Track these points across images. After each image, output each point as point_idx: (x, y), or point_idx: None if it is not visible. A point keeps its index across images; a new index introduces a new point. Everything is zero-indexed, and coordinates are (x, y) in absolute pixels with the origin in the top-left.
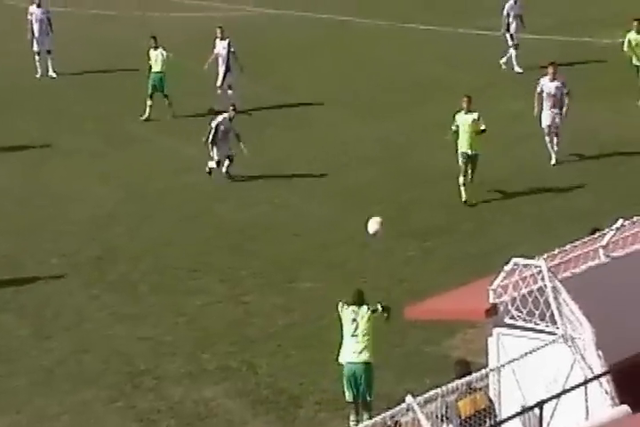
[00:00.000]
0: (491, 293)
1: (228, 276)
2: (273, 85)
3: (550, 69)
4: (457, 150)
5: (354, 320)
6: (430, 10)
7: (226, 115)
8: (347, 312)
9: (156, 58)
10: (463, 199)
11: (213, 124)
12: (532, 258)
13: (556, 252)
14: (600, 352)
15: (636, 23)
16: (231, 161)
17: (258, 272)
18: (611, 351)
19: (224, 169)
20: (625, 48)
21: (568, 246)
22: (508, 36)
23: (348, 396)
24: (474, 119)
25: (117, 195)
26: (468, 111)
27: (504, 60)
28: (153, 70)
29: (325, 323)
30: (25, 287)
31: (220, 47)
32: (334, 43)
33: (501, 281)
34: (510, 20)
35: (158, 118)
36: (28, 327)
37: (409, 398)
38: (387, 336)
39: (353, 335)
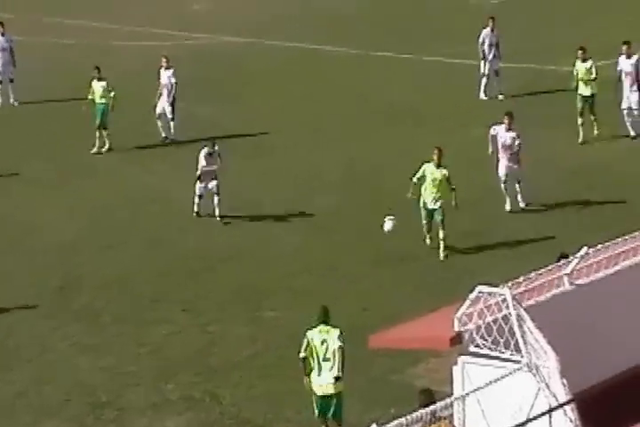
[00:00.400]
0: (455, 321)
1: (191, 305)
2: (239, 113)
3: (506, 120)
4: (420, 204)
5: (323, 342)
6: (398, 38)
7: (204, 150)
8: (315, 335)
9: (99, 89)
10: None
11: (199, 166)
12: (497, 286)
13: (520, 279)
14: (564, 380)
15: (580, 52)
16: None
17: (222, 301)
18: (575, 380)
19: (218, 207)
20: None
21: (533, 274)
22: (482, 63)
23: (317, 414)
24: (444, 175)
25: (80, 224)
26: (439, 166)
27: (499, 91)
28: (97, 102)
29: (290, 353)
30: None
31: (165, 77)
32: (302, 70)
33: (466, 309)
34: (485, 48)
35: (118, 148)
36: None
37: None
38: (352, 364)
39: (325, 359)
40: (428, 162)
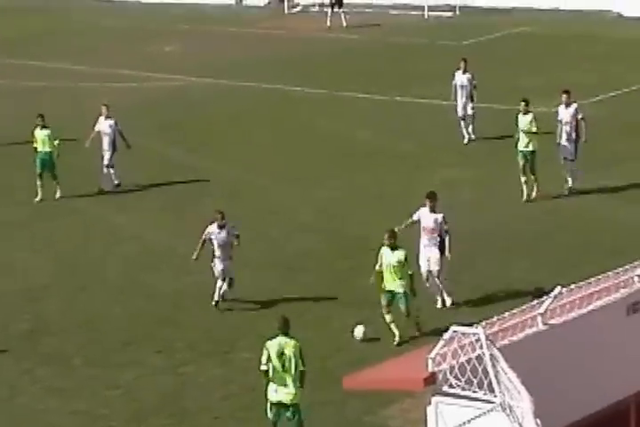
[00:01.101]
0: (429, 361)
1: (163, 347)
2: (210, 155)
3: (522, 104)
4: (382, 289)
5: (282, 354)
6: (367, 78)
7: (214, 225)
8: (274, 346)
9: (43, 138)
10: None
11: (203, 237)
12: (471, 326)
13: (494, 319)
14: (538, 421)
15: (522, 104)
16: (230, 284)
17: (193, 343)
18: (549, 420)
19: (218, 292)
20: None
21: (506, 314)
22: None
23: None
24: (400, 260)
25: (49, 266)
26: (395, 248)
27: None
28: (40, 150)
29: (264, 394)
30: None
31: (106, 126)
32: (269, 111)
33: (440, 349)
34: (455, 89)
35: (87, 190)
36: None
37: None
38: (325, 406)
39: (283, 370)
40: (385, 246)
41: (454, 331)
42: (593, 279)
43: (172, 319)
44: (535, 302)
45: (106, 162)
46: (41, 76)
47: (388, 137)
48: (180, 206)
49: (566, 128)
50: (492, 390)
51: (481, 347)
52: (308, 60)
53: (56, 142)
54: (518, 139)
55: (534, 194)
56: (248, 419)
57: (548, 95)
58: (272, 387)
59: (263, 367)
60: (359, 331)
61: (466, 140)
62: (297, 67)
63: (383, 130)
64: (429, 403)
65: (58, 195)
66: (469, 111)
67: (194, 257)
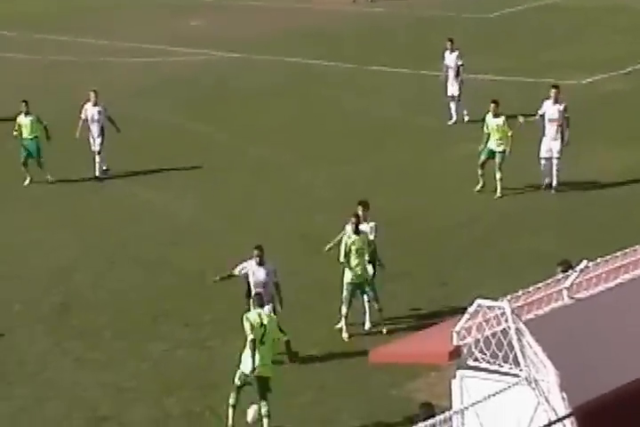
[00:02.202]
0: (454, 335)
1: (190, 321)
2: (233, 131)
3: (492, 106)
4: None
5: (262, 326)
6: (393, 52)
7: (251, 261)
8: (255, 317)
9: (27, 123)
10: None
11: (236, 271)
12: (496, 300)
13: (519, 293)
14: (564, 394)
15: (492, 106)
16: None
17: (220, 317)
18: (575, 393)
19: None
20: (485, 130)
21: (532, 288)
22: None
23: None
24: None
25: (77, 243)
26: (356, 231)
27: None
28: (25, 136)
29: (289, 367)
30: None
31: (95, 112)
32: (295, 86)
33: (465, 323)
34: (445, 70)
35: (116, 167)
36: None
37: None
38: (351, 380)
39: (261, 342)
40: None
41: (479, 305)
42: (620, 253)
43: (198, 294)
44: (561, 275)
45: (98, 148)
46: (67, 51)
47: (413, 112)
48: (205, 182)
49: (553, 125)
50: (517, 364)
51: (506, 321)
52: (333, 34)
53: (44, 125)
54: (488, 138)
55: (498, 194)
56: (274, 390)
57: (576, 68)
58: (246, 356)
59: (251, 337)
60: (251, 414)
61: (452, 122)
62: (322, 41)
63: (409, 105)
64: (454, 377)
65: (50, 178)
66: (455, 92)
67: (215, 279)
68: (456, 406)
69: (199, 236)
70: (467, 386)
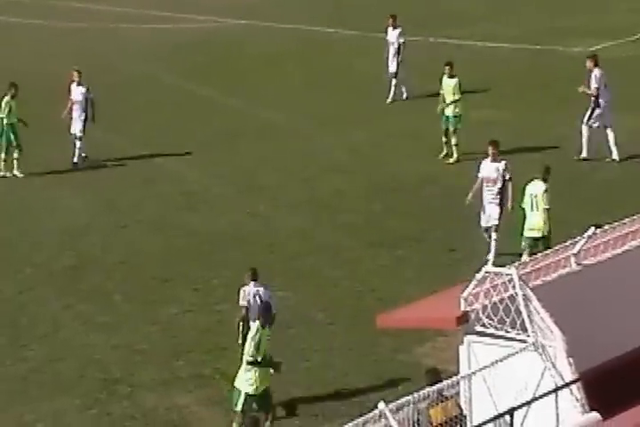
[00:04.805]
0: (462, 301)
1: (200, 285)
2: (244, 96)
3: (447, 68)
4: None
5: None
6: (401, 19)
7: (258, 286)
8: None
9: (14, 107)
10: None
11: (243, 302)
12: (503, 266)
13: (527, 260)
14: (571, 360)
15: (447, 67)
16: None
17: (230, 281)
18: (581, 359)
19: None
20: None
21: (539, 254)
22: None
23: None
24: None
25: (89, 206)
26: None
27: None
28: (7, 122)
29: (296, 331)
30: (0, 297)
31: (77, 93)
32: (303, 53)
33: (472, 289)
34: (388, 47)
35: (125, 130)
36: (3, 336)
37: (381, 405)
38: (358, 345)
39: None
40: None
41: (487, 271)
42: (628, 220)
43: (208, 258)
44: (569, 242)
45: (78, 133)
46: (81, 18)
47: (421, 78)
48: (215, 147)
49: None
50: (524, 330)
51: (514, 287)
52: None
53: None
54: (443, 100)
55: (452, 159)
56: (281, 354)
57: (583, 35)
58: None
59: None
60: None
61: (389, 100)
62: (329, 7)
63: (416, 71)
64: (462, 342)
65: (16, 172)
66: (394, 69)
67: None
68: (463, 371)
69: (210, 200)
70: (474, 351)
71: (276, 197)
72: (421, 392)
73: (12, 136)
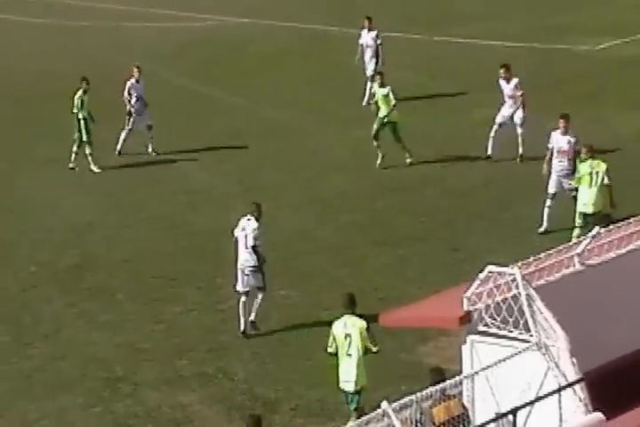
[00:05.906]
0: (465, 300)
1: (204, 284)
2: (247, 95)
3: (377, 77)
4: None
5: (347, 337)
6: (404, 18)
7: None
8: (339, 328)
9: (82, 101)
10: None
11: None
12: (507, 266)
13: (530, 260)
14: (574, 360)
15: (378, 77)
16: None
17: (233, 280)
18: (585, 359)
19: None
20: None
21: (543, 254)
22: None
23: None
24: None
25: (93, 204)
26: None
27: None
28: (80, 117)
29: (300, 330)
30: (4, 295)
31: (139, 88)
32: (308, 51)
33: (476, 289)
34: (362, 49)
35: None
36: (7, 334)
37: (384, 404)
38: None
39: (347, 354)
40: None
41: (490, 271)
42: (633, 219)
43: (212, 257)
44: (573, 242)
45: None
46: (84, 16)
47: (424, 76)
48: (219, 146)
49: (510, 102)
50: (527, 330)
51: (517, 287)
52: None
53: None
54: (378, 108)
55: (408, 160)
56: (285, 354)
57: (589, 34)
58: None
59: (330, 350)
60: None
61: (365, 102)
62: (333, 5)
63: (420, 69)
64: (464, 342)
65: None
66: (370, 73)
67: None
68: (466, 370)
69: (214, 199)
70: (477, 351)
71: (280, 195)
72: (425, 391)
73: (84, 131)
